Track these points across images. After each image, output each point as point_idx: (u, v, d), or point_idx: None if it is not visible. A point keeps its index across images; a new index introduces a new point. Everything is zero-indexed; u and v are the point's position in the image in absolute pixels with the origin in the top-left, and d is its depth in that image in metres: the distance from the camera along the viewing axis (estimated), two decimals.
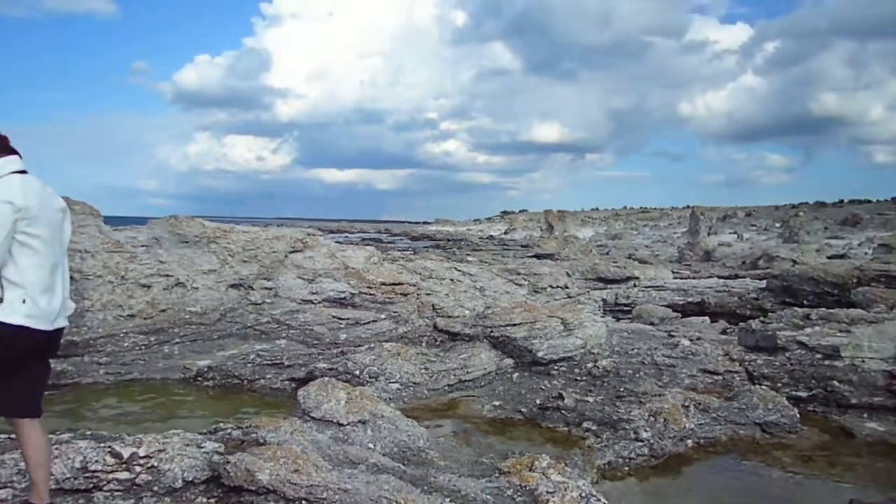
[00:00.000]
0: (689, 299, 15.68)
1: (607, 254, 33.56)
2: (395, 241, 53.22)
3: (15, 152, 3.16)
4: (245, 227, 13.56)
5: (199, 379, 9.55)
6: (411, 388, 8.41)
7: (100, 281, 10.69)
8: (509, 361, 9.15)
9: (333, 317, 11.32)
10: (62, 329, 3.28)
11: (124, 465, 4.56)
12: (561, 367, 8.91)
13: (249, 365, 9.66)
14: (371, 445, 5.96)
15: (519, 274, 15.68)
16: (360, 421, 6.17)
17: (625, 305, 15.62)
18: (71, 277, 3.97)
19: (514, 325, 9.26)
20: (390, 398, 7.90)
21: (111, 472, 4.50)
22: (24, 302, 2.98)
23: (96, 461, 4.52)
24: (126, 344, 10.30)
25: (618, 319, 13.69)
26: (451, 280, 13.61)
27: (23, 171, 3.15)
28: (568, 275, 16.67)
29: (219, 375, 9.51)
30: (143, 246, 11.88)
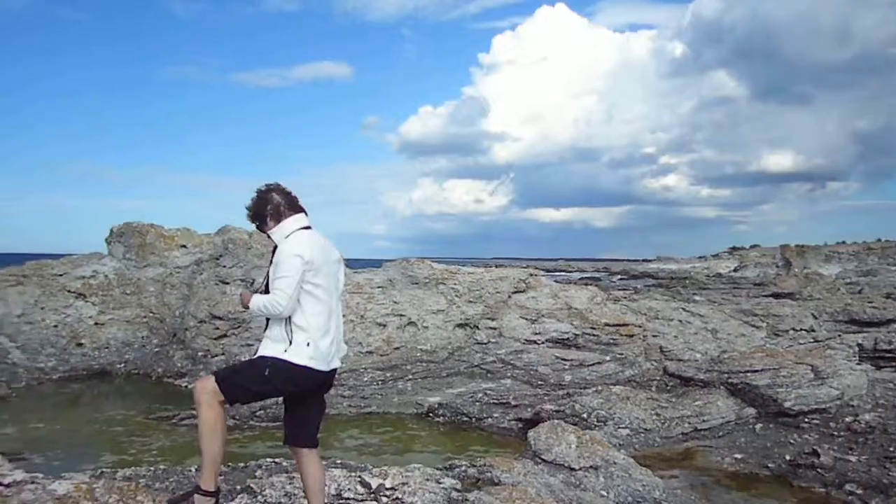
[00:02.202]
0: None
1: (860, 292, 29.81)
2: (614, 280, 51.89)
3: (302, 210, 3.61)
4: (470, 269, 14.05)
5: (431, 415, 9.96)
6: (642, 435, 8.06)
7: (343, 320, 11.65)
8: (751, 411, 8.42)
9: (557, 357, 11.27)
10: (335, 369, 3.62)
11: (373, 495, 4.84)
12: (813, 419, 8.02)
13: (477, 403, 9.90)
14: (604, 493, 5.78)
15: (755, 315, 14.46)
16: (591, 466, 6.02)
17: (887, 352, 13.68)
18: None
19: (755, 371, 8.54)
20: (620, 444, 7.64)
21: (361, 500, 4.79)
22: (308, 345, 3.35)
23: (349, 489, 4.84)
24: (365, 379, 11.08)
25: (879, 368, 12.01)
26: (680, 321, 12.94)
27: (308, 227, 3.58)
28: (814, 316, 15.07)
29: (449, 412, 9.85)
30: (379, 287, 12.79)
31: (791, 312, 14.78)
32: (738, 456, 7.57)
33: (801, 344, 13.58)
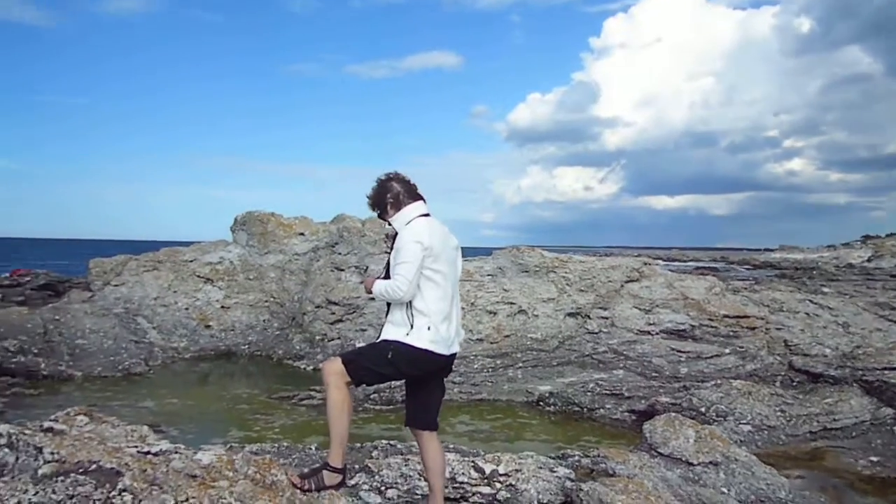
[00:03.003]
0: None
1: None
2: (732, 270, 49.62)
3: (421, 198, 3.69)
4: (581, 257, 13.85)
5: (541, 404, 9.93)
6: (766, 432, 7.70)
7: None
8: (888, 411, 7.87)
9: (672, 349, 10.93)
10: (455, 354, 3.69)
11: (486, 481, 4.89)
12: None
13: (588, 394, 9.77)
14: (725, 490, 5.57)
15: (893, 308, 13.42)
16: (711, 462, 5.81)
17: None
18: None
19: (894, 369, 7.95)
20: (741, 440, 7.34)
21: (475, 485, 4.85)
22: (428, 329, 3.45)
23: (463, 473, 4.91)
24: (476, 366, 11.17)
25: None
26: (807, 314, 12.21)
27: (426, 215, 3.66)
28: None
29: (559, 402, 9.78)
30: (489, 275, 12.84)
31: None
32: (874, 458, 7.09)
33: None
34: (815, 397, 8.19)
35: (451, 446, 6.07)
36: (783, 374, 9.83)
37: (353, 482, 4.47)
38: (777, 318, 11.84)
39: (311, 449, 5.73)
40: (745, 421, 7.79)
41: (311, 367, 12.31)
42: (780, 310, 12.25)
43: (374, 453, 5.67)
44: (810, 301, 12.98)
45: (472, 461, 5.11)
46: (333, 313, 13.42)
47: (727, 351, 10.72)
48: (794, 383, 9.29)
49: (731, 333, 11.12)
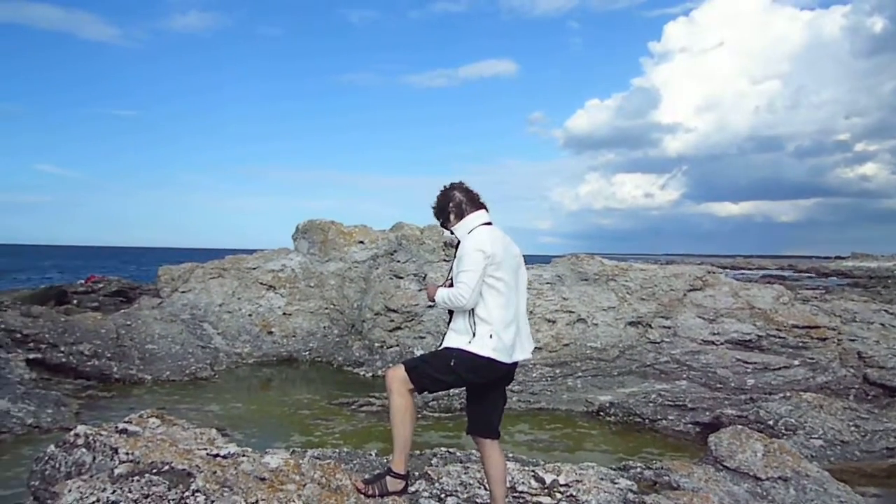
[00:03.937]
0: None
1: None
2: (801, 279, 47.94)
3: (483, 207, 3.72)
4: (642, 265, 13.60)
5: (601, 414, 9.78)
6: (838, 447, 7.40)
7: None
8: None
9: (738, 360, 10.62)
10: (517, 363, 3.68)
11: (546, 491, 4.84)
12: None
13: (650, 404, 9.58)
14: None
15: None
16: (780, 477, 5.62)
17: None
18: None
19: None
20: (812, 455, 7.07)
21: (535, 495, 4.81)
22: (490, 337, 3.46)
23: (522, 483, 4.88)
24: (534, 375, 11.09)
25: None
26: (882, 325, 11.70)
27: (488, 223, 3.68)
28: None
29: (620, 412, 9.62)
30: (547, 283, 12.74)
31: None
32: None
33: None
34: (892, 412, 7.84)
35: (511, 455, 6.05)
36: (857, 387, 9.43)
37: (413, 489, 4.49)
38: (850, 329, 11.38)
39: (371, 455, 5.78)
40: (816, 435, 7.50)
41: (371, 374, 12.43)
42: (852, 320, 11.78)
43: (434, 461, 5.68)
44: (886, 311, 12.43)
45: (533, 471, 5.07)
46: (392, 321, 13.54)
47: (796, 362, 10.36)
48: (869, 397, 8.91)
49: (801, 344, 10.74)
